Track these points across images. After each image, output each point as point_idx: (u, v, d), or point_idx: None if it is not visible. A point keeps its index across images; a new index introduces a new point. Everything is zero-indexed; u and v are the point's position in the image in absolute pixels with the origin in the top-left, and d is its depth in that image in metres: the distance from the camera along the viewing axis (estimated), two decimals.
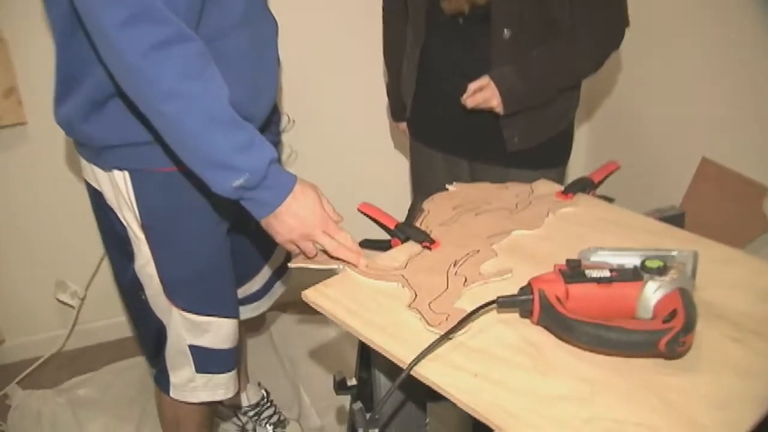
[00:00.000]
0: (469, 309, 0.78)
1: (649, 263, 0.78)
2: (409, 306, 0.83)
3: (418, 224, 1.02)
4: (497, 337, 0.77)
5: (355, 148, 2.06)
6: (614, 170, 1.15)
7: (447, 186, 1.16)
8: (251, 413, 1.59)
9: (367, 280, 0.90)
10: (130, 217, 1.07)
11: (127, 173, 1.03)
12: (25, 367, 1.90)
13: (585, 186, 1.11)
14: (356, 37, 1.87)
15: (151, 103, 0.84)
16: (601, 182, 1.14)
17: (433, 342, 0.74)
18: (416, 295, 0.85)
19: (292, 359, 1.89)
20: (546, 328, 0.77)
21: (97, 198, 1.10)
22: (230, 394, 1.23)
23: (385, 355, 0.77)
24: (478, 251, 0.94)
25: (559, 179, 1.43)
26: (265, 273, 1.39)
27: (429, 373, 0.72)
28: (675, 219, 1.05)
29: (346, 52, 1.93)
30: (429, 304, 0.82)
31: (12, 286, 1.87)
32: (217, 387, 1.19)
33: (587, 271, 0.79)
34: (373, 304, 0.84)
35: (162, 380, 1.20)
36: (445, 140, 1.48)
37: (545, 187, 1.16)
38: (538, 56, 1.28)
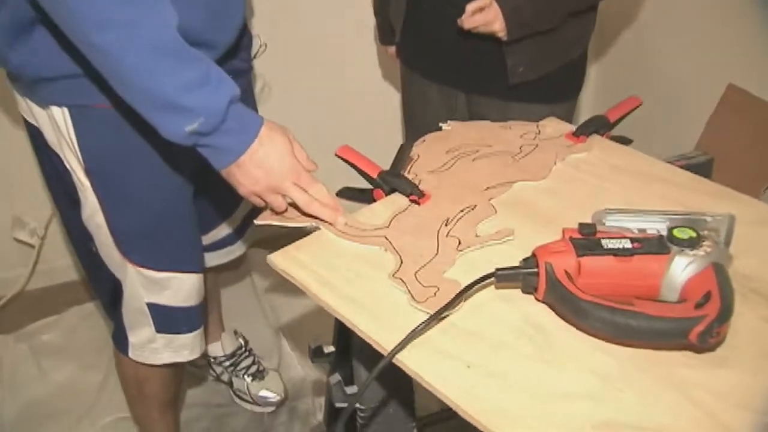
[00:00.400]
0: (462, 280, 0.69)
1: (677, 233, 0.67)
2: (393, 275, 0.72)
3: (406, 172, 0.90)
4: (495, 318, 0.68)
5: (335, 77, 1.88)
6: (635, 107, 1.02)
7: (441, 125, 1.04)
8: (227, 363, 1.52)
9: (344, 241, 0.79)
10: (73, 160, 0.94)
11: (66, 110, 0.90)
12: None
13: (599, 126, 0.99)
14: None
15: (81, 33, 0.71)
16: (617, 122, 1.02)
17: (419, 325, 0.64)
18: (401, 262, 0.74)
19: (274, 304, 1.80)
20: (553, 308, 0.67)
21: (37, 138, 0.97)
22: (196, 355, 1.14)
23: (364, 338, 0.67)
24: (475, 207, 0.83)
25: (568, 115, 1.32)
26: (237, 216, 1.27)
27: (413, 361, 0.63)
28: (701, 167, 0.96)
29: None
30: (415, 274, 0.72)
31: None
32: (180, 348, 1.10)
33: (603, 241, 0.68)
34: (351, 274, 0.74)
35: (120, 339, 1.11)
36: (439, 69, 1.34)
37: (554, 126, 1.03)
38: None
